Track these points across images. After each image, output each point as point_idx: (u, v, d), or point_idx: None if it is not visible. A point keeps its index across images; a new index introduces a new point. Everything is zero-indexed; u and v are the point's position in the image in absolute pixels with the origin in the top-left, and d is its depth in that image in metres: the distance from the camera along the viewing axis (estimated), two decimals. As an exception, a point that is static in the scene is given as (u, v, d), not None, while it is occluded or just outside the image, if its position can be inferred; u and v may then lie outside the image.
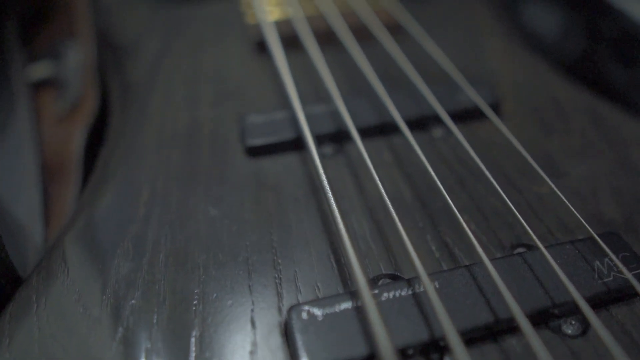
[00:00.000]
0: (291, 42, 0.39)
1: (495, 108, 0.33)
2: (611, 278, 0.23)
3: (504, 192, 0.26)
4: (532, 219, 0.27)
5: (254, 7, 0.42)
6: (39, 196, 0.36)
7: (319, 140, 0.30)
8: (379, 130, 0.31)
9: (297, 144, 0.30)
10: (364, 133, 0.31)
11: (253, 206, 0.27)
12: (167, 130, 0.32)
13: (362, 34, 0.39)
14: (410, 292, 0.22)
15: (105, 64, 0.42)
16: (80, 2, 0.47)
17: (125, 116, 0.34)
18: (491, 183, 0.26)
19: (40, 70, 0.44)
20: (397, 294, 0.22)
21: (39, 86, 0.44)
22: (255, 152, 0.30)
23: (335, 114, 0.32)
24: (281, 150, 0.30)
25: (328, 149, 0.30)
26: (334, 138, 0.31)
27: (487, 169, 0.27)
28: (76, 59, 0.44)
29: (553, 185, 0.27)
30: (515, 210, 0.25)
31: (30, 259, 0.32)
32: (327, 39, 0.39)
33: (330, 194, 0.25)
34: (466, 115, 0.33)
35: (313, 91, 0.35)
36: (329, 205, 0.24)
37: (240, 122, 0.31)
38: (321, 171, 0.26)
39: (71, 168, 0.38)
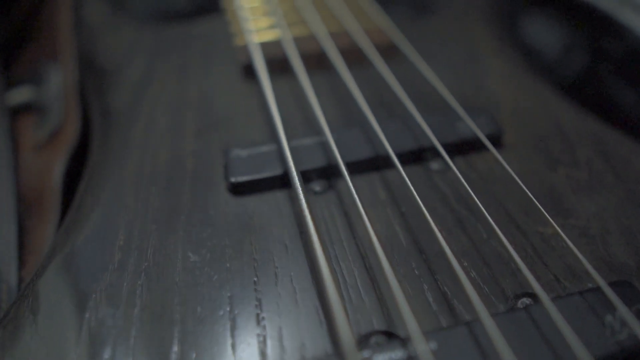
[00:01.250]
0: (280, 66, 0.37)
1: (496, 138, 0.31)
2: (625, 335, 0.21)
3: (506, 234, 0.24)
4: (537, 265, 0.25)
5: (242, 27, 0.40)
6: (14, 233, 0.34)
7: (307, 176, 0.29)
8: (371, 164, 0.30)
9: (284, 181, 0.28)
10: (355, 168, 0.29)
11: (236, 252, 0.25)
12: (148, 165, 0.30)
13: (354, 56, 0.38)
14: (404, 355, 0.20)
15: (87, 88, 0.41)
16: (62, 23, 0.45)
17: (105, 148, 0.33)
18: (492, 224, 0.25)
19: (19, 94, 0.43)
20: (390, 358, 0.20)
21: (18, 111, 0.42)
22: (239, 189, 0.28)
23: (324, 147, 0.30)
24: (267, 187, 0.28)
25: (317, 186, 0.29)
26: (323, 174, 0.29)
27: (488, 207, 0.25)
28: (57, 82, 0.42)
29: (558, 227, 0.25)
30: (518, 256, 0.23)
31: (3, 304, 0.31)
32: (317, 62, 0.37)
33: (316, 238, 0.23)
34: (464, 147, 0.31)
35: (301, 121, 0.33)
36: (315, 251, 0.23)
37: (224, 157, 0.29)
38: (307, 212, 0.24)
39: (50, 201, 0.36)
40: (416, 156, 0.30)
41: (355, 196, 0.26)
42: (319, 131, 0.31)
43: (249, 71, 0.37)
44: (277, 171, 0.28)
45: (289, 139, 0.29)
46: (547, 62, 0.51)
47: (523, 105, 0.36)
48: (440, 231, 0.24)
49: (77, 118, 0.40)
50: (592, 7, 0.51)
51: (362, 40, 0.38)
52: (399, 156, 0.29)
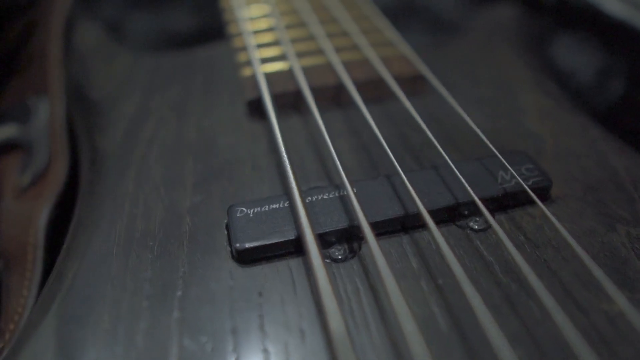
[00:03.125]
0: (290, 101, 0.33)
1: (543, 191, 0.27)
2: None
3: (563, 313, 0.20)
4: (604, 353, 0.20)
5: (249, 56, 0.36)
6: (-11, 295, 0.30)
7: (325, 239, 0.25)
8: (400, 224, 0.25)
9: (298, 246, 0.24)
10: (381, 229, 0.25)
11: (243, 340, 0.21)
12: (139, 225, 0.26)
13: (373, 89, 0.34)
14: None
15: (76, 125, 0.37)
16: (52, 53, 0.41)
17: (92, 200, 0.29)
18: (546, 303, 0.20)
19: (3, 131, 0.39)
20: None
21: (1, 150, 0.38)
22: (245, 257, 0.24)
23: (344, 204, 0.26)
24: (279, 254, 0.24)
25: (337, 252, 0.24)
26: (344, 237, 0.25)
27: (540, 279, 0.21)
28: (44, 118, 0.38)
29: (625, 303, 0.20)
30: (580, 342, 0.19)
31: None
32: (331, 96, 0.33)
33: (338, 322, 0.19)
34: (507, 202, 0.27)
35: (315, 169, 0.29)
36: (337, 341, 0.18)
37: (228, 216, 0.25)
38: (326, 288, 0.20)
39: (32, 257, 0.32)
40: (451, 214, 0.26)
41: (383, 266, 0.21)
42: (336, 182, 0.27)
43: (256, 107, 0.33)
44: (289, 235, 0.24)
45: (302, 193, 0.25)
46: (582, 90, 0.46)
47: (567, 147, 0.31)
48: (485, 311, 0.20)
49: (64, 159, 0.36)
50: (630, 26, 0.47)
51: (381, 71, 0.34)
52: (432, 214, 0.24)
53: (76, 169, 0.36)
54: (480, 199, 0.25)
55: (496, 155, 0.28)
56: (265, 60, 0.36)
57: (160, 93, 0.36)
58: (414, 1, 0.67)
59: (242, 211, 0.25)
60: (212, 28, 0.54)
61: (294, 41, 0.37)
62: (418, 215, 0.25)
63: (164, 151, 0.31)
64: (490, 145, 0.28)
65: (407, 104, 0.31)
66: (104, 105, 0.36)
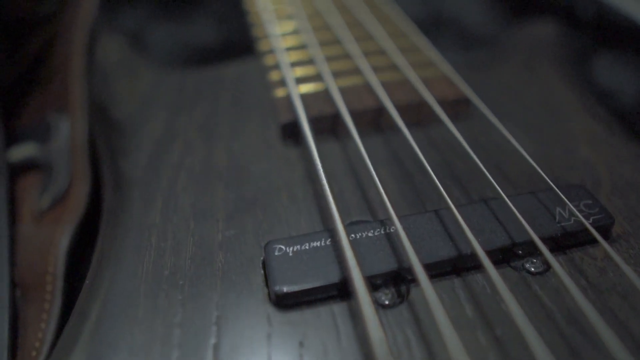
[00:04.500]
0: (328, 124, 0.31)
1: (605, 229, 0.25)
2: None
3: None
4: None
5: (282, 75, 0.34)
6: (6, 328, 0.28)
7: (371, 282, 0.23)
8: (452, 266, 0.23)
9: (342, 290, 0.22)
10: (431, 270, 0.23)
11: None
12: (168, 262, 0.24)
13: (416, 113, 0.32)
14: None
15: (98, 146, 0.35)
16: (73, 69, 0.40)
17: (116, 231, 0.27)
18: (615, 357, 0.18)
19: (22, 151, 0.37)
20: None
21: (20, 170, 0.37)
22: (285, 302, 0.22)
23: (392, 242, 0.24)
24: (321, 298, 0.22)
25: (384, 297, 0.22)
26: (392, 279, 0.23)
27: (607, 330, 0.19)
28: (65, 137, 0.37)
29: None
30: None
31: None
32: (372, 120, 0.32)
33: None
34: (567, 242, 0.25)
35: (358, 201, 0.28)
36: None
37: (265, 254, 0.23)
38: (377, 339, 0.18)
39: (51, 287, 0.30)
40: (506, 254, 0.24)
41: (439, 314, 0.19)
42: (380, 216, 0.26)
43: (291, 131, 0.31)
44: (333, 278, 0.22)
45: (346, 229, 0.23)
46: (630, 113, 0.44)
47: (625, 178, 0.29)
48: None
49: (86, 181, 0.34)
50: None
51: (424, 93, 0.32)
52: (488, 253, 0.22)
53: (98, 191, 0.34)
54: (538, 237, 0.23)
55: (552, 189, 0.26)
56: (299, 80, 0.34)
57: (187, 113, 0.34)
58: (447, 15, 0.65)
59: (280, 249, 0.23)
60: (241, 43, 0.53)
61: (329, 59, 0.36)
62: (472, 256, 0.23)
63: (192, 178, 0.29)
64: (545, 177, 0.27)
65: (453, 128, 0.30)
66: (128, 125, 0.34)
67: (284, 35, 0.39)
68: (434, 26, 0.62)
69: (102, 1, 0.48)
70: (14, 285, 0.31)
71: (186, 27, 0.59)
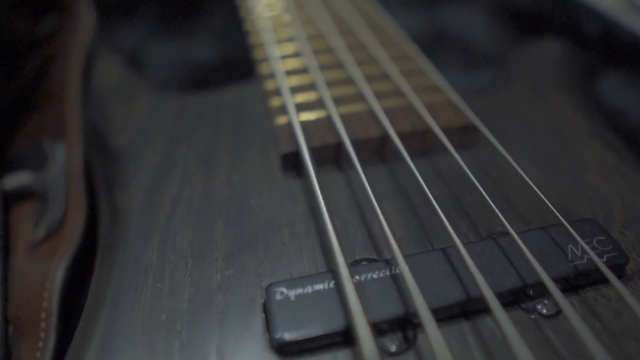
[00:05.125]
0: (331, 155, 0.30)
1: (619, 267, 0.24)
2: None
3: None
4: None
5: (283, 99, 0.33)
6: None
7: (378, 327, 0.22)
8: (460, 309, 0.23)
9: (347, 336, 0.21)
10: (439, 314, 0.22)
11: None
12: (165, 306, 0.23)
13: (421, 142, 0.31)
14: None
15: (94, 175, 0.34)
16: (70, 93, 0.39)
17: (112, 270, 0.26)
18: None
19: (17, 178, 0.36)
20: None
21: (14, 198, 0.36)
22: (287, 350, 0.21)
23: (398, 284, 0.23)
24: (325, 345, 0.21)
25: (390, 343, 0.22)
26: (399, 324, 0.22)
27: None
28: (60, 164, 0.36)
29: None
30: None
31: None
32: (377, 149, 0.31)
33: None
34: (578, 281, 0.24)
35: (362, 237, 0.27)
36: None
37: (266, 298, 0.23)
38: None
39: (44, 324, 0.29)
40: (516, 295, 0.23)
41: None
42: (385, 254, 0.25)
43: (292, 161, 0.31)
44: (338, 324, 0.22)
45: (350, 270, 0.22)
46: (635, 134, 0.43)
47: (639, 210, 0.28)
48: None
49: (82, 212, 0.33)
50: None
51: (428, 120, 0.31)
52: (498, 297, 0.21)
53: (94, 222, 0.33)
54: (549, 277, 0.22)
55: (563, 224, 0.25)
56: (300, 107, 0.33)
57: (186, 141, 0.33)
58: (450, 35, 0.64)
59: (282, 293, 0.23)
60: (241, 65, 0.52)
61: (330, 84, 0.35)
62: (481, 299, 0.22)
63: (190, 212, 0.28)
64: (556, 212, 0.26)
65: (459, 159, 0.29)
66: (125, 153, 0.34)
67: (284, 58, 0.39)
68: (438, 47, 0.61)
69: (99, 21, 0.47)
70: (6, 321, 0.30)
71: (185, 48, 0.59)
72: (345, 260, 0.22)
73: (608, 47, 0.54)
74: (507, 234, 0.25)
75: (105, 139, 0.36)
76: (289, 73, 0.37)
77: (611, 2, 0.57)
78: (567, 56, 0.45)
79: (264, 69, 0.38)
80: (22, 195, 0.37)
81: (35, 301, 0.31)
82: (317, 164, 0.30)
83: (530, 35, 0.62)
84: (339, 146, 0.31)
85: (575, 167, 0.32)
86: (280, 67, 0.38)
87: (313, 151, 0.30)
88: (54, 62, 0.45)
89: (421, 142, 0.32)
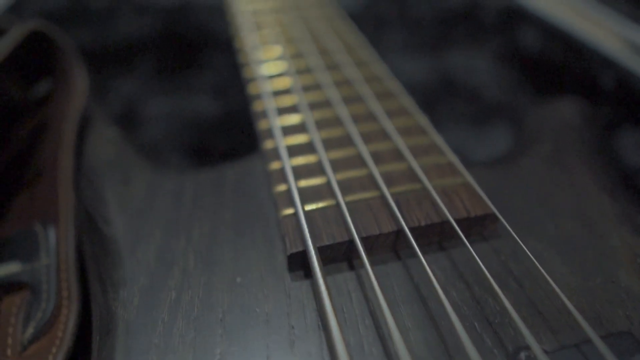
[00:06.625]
0: (340, 252, 0.29)
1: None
2: None
3: None
4: None
5: (289, 188, 0.32)
6: None
7: None
8: None
9: None
10: None
11: None
12: None
13: (435, 234, 0.30)
14: None
15: (87, 268, 0.32)
16: (62, 170, 0.38)
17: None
18: None
19: (5, 268, 0.35)
20: None
21: (2, 289, 0.34)
22: None
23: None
24: None
25: None
26: None
27: None
28: (51, 254, 0.34)
29: None
30: None
31: None
32: (387, 244, 0.29)
33: None
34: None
35: (376, 354, 0.24)
36: None
37: None
38: None
39: None
40: None
41: None
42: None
43: (299, 263, 0.29)
44: None
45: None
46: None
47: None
48: None
49: (74, 310, 0.32)
50: None
51: (443, 208, 0.30)
52: None
53: (87, 321, 0.31)
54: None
55: (594, 341, 0.24)
56: (306, 194, 0.31)
57: (184, 233, 0.32)
58: (460, 93, 0.63)
59: None
60: (243, 135, 0.51)
61: (337, 166, 0.33)
62: None
63: (189, 324, 0.27)
64: (586, 325, 0.24)
65: (478, 260, 0.27)
66: (119, 247, 0.32)
67: (287, 133, 0.37)
68: (450, 113, 0.60)
69: (93, 82, 0.46)
70: None
71: (183, 110, 0.57)
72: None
73: (625, 100, 0.53)
74: (531, 353, 0.23)
75: (99, 227, 0.34)
76: (293, 152, 0.35)
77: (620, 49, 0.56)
78: (585, 115, 0.44)
79: (267, 144, 0.36)
80: (11, 285, 0.35)
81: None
82: (325, 261, 0.29)
83: (545, 88, 0.60)
84: (349, 243, 0.29)
85: (605, 261, 0.30)
86: (284, 142, 0.36)
87: (321, 250, 0.28)
88: (46, 130, 0.44)
89: (437, 235, 0.30)
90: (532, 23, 0.67)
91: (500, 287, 0.27)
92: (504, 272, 0.29)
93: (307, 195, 0.32)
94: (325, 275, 0.27)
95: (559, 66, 0.62)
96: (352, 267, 0.29)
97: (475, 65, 0.67)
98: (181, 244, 0.31)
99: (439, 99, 0.62)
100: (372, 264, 0.28)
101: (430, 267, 0.27)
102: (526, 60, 0.66)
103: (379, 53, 0.48)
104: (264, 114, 0.39)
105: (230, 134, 0.56)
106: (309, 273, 0.29)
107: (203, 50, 0.69)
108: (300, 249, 0.28)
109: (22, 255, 0.36)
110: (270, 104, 0.40)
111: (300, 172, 0.33)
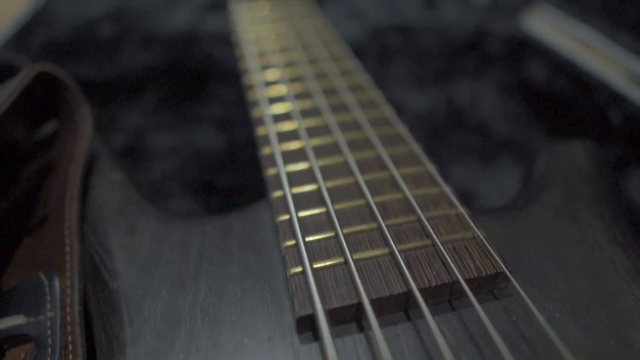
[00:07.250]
0: (350, 314, 0.29)
1: None
2: None
3: None
4: None
5: (299, 247, 0.31)
6: None
7: None
8: None
9: None
10: None
11: None
12: None
13: (445, 295, 0.29)
14: None
15: (93, 323, 0.32)
16: (67, 218, 0.37)
17: None
18: None
19: (9, 320, 0.34)
20: None
21: (5, 342, 0.34)
22: None
23: None
24: None
25: None
26: None
27: None
28: (56, 306, 0.34)
29: None
30: None
31: None
32: (397, 305, 0.29)
33: None
34: None
35: None
36: None
37: None
38: None
39: None
40: None
41: None
42: None
43: (308, 324, 0.28)
44: None
45: None
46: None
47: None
48: None
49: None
50: None
51: (455, 268, 0.30)
52: None
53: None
54: None
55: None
56: (314, 252, 0.31)
57: (191, 290, 0.31)
58: (468, 131, 0.63)
59: None
60: (255, 188, 0.50)
61: (344, 218, 0.33)
62: None
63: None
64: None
65: (489, 323, 0.27)
66: (126, 303, 0.32)
67: (295, 184, 0.37)
68: (457, 157, 0.59)
69: (97, 120, 0.46)
70: None
71: (189, 141, 0.57)
72: None
73: (637, 139, 0.52)
74: None
75: (104, 279, 0.34)
76: (301, 204, 0.35)
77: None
78: (595, 157, 0.43)
79: (274, 194, 0.36)
80: (16, 338, 0.35)
81: None
82: (334, 322, 0.29)
83: (554, 124, 0.60)
84: (358, 306, 0.29)
85: (618, 323, 0.29)
86: (290, 192, 0.36)
87: (330, 312, 0.28)
88: (53, 173, 0.44)
89: (447, 294, 0.30)
90: (541, 56, 0.66)
91: (511, 350, 0.26)
92: (515, 334, 0.28)
93: (316, 251, 0.31)
94: (334, 337, 0.26)
95: (569, 101, 0.62)
96: (361, 329, 0.29)
97: (483, 101, 0.66)
98: (188, 301, 0.31)
99: (445, 138, 0.61)
100: (381, 324, 0.27)
101: (440, 329, 0.27)
102: (534, 95, 0.66)
103: (384, 94, 0.48)
104: (272, 161, 0.39)
105: (237, 175, 0.56)
106: (317, 335, 0.28)
107: (210, 82, 0.69)
108: (309, 312, 0.28)
109: (27, 307, 0.36)
110: (276, 148, 0.40)
111: (308, 226, 0.33)
